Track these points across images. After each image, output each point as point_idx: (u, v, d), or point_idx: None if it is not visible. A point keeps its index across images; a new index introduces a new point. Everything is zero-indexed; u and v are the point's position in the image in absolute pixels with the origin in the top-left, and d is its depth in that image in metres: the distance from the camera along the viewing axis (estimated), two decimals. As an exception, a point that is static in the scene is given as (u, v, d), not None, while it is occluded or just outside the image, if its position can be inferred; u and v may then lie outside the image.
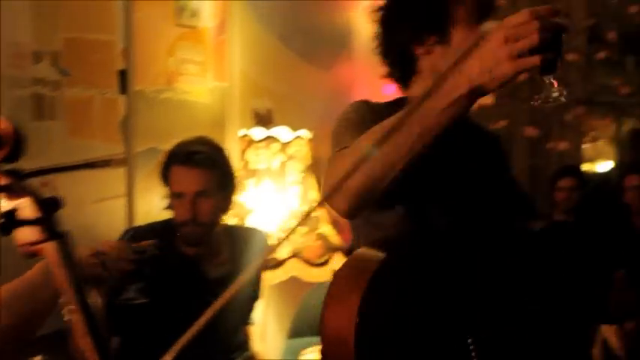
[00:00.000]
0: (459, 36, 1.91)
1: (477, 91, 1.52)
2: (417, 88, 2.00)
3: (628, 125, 5.93)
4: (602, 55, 5.02)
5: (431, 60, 1.95)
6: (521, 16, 1.49)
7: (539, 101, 1.55)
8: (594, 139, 6.26)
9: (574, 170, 5.19)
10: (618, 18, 5.03)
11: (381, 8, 2.04)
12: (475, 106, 4.73)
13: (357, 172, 1.57)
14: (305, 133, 3.85)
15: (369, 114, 1.85)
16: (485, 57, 1.49)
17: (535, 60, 1.47)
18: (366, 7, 2.18)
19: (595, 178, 6.76)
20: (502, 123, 4.78)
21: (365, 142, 1.61)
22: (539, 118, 4.98)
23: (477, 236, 1.86)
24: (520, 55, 1.47)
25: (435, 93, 1.54)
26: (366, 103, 1.93)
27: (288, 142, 3.79)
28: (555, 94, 1.52)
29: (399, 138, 1.57)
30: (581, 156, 5.78)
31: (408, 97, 2.02)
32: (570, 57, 4.91)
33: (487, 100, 4.98)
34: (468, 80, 1.51)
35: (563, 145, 5.19)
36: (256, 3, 4.11)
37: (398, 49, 1.99)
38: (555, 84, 1.51)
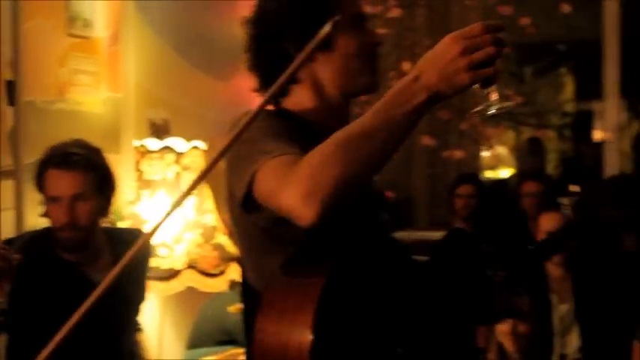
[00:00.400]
0: (341, 44, 1.88)
1: (435, 99, 1.57)
2: (297, 99, 1.94)
3: (527, 134, 6.07)
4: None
5: (312, 69, 1.90)
6: (477, 28, 1.56)
7: (480, 113, 1.60)
8: (491, 148, 6.39)
9: (472, 178, 5.28)
10: (511, 30, 5.14)
11: (256, 17, 1.96)
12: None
13: (331, 169, 1.55)
14: (200, 144, 3.85)
15: (279, 122, 1.81)
16: (444, 66, 1.55)
17: (490, 71, 1.54)
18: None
19: (494, 185, 6.92)
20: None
21: (331, 145, 1.58)
22: (436, 128, 5.07)
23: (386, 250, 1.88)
24: (476, 67, 1.53)
25: (391, 101, 1.57)
26: (267, 112, 1.85)
27: (184, 153, 3.78)
28: (497, 105, 1.58)
29: (366, 144, 1.58)
30: (479, 164, 5.88)
31: (291, 109, 1.94)
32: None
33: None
34: (426, 88, 1.55)
35: (459, 154, 5.29)
36: (151, 13, 4.09)
37: (275, 57, 1.91)
38: (496, 95, 1.58)
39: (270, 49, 1.93)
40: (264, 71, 1.97)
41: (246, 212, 1.74)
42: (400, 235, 1.94)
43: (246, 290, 1.90)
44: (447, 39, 1.57)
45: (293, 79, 1.92)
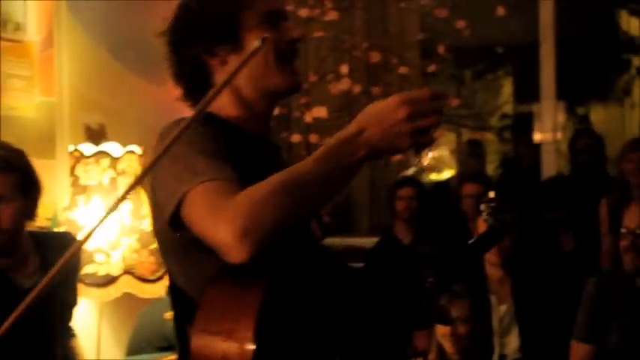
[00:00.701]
0: (250, 40, 1.82)
1: (373, 156, 1.62)
2: (219, 104, 1.89)
3: (467, 136, 6.11)
4: (433, 68, 5.16)
5: (227, 71, 1.85)
6: (424, 94, 1.63)
7: (412, 176, 1.74)
8: (430, 150, 6.40)
9: (412, 180, 5.30)
10: (448, 33, 5.18)
11: (169, 24, 1.94)
12: (309, 119, 4.77)
13: (269, 211, 1.55)
14: (136, 149, 3.80)
15: (210, 132, 1.77)
16: (388, 127, 1.59)
17: (430, 138, 1.62)
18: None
19: (434, 187, 6.95)
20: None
21: (271, 187, 1.58)
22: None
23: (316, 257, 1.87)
24: (418, 133, 1.60)
25: (334, 152, 1.61)
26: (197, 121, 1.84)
27: (119, 158, 3.74)
28: (430, 173, 1.66)
29: (306, 190, 1.60)
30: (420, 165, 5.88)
31: (216, 113, 1.90)
32: (404, 70, 5.03)
33: (322, 113, 5.02)
34: (367, 145, 1.61)
35: (399, 156, 5.30)
36: (84, 16, 4.04)
37: (190, 63, 1.90)
38: (428, 159, 1.65)
39: (184, 55, 1.91)
40: (183, 78, 1.94)
41: (173, 230, 1.72)
42: (341, 241, 1.94)
43: (177, 296, 1.86)
44: (395, 100, 1.62)
45: (210, 84, 1.89)
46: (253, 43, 1.34)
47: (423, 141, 1.62)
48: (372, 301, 1.80)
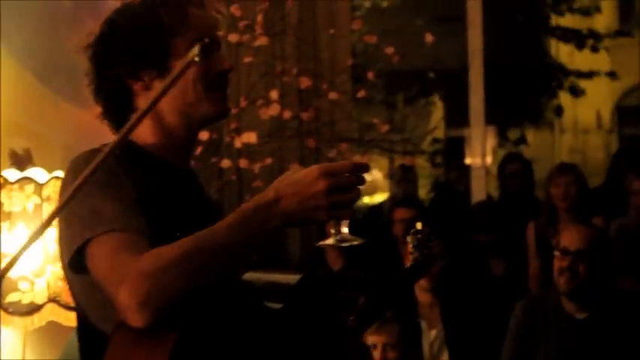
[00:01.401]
0: (192, 51, 1.82)
1: (288, 225, 1.59)
2: (139, 130, 1.85)
3: (400, 160, 6.15)
4: (362, 93, 5.19)
5: (150, 97, 1.80)
6: (345, 166, 1.59)
7: (330, 245, 1.69)
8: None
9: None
10: (378, 59, 5.22)
11: (91, 43, 1.90)
12: (239, 144, 4.73)
13: (173, 279, 1.51)
14: (62, 175, 3.73)
15: (120, 173, 1.72)
16: (306, 199, 1.56)
17: (347, 213, 1.60)
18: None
19: (368, 212, 6.98)
20: (268, 161, 4.84)
21: (178, 253, 1.54)
22: (305, 156, 5.09)
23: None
24: (336, 207, 1.57)
25: (248, 219, 1.57)
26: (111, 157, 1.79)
27: (44, 184, 3.67)
28: (349, 239, 1.68)
29: (214, 259, 1.56)
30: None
31: (134, 141, 1.87)
32: (334, 96, 5.05)
33: (252, 138, 5.00)
34: (283, 215, 1.57)
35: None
36: (12, 41, 3.98)
37: (110, 83, 1.85)
38: (345, 228, 1.67)
39: (105, 75, 1.86)
40: (101, 97, 1.90)
41: (74, 272, 1.68)
42: (265, 276, 1.92)
43: (86, 333, 1.80)
44: (314, 171, 1.58)
45: (132, 109, 1.85)
46: (191, 51, 1.28)
47: (340, 215, 1.61)
48: (290, 344, 1.75)
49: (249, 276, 1.86)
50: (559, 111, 12.96)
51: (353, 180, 1.59)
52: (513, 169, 5.88)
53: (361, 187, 1.62)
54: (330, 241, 1.69)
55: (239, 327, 1.67)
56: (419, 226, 2.12)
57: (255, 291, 1.83)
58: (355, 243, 1.70)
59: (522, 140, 11.98)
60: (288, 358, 1.73)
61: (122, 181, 1.70)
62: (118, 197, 1.66)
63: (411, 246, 2.10)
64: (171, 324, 1.54)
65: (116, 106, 1.88)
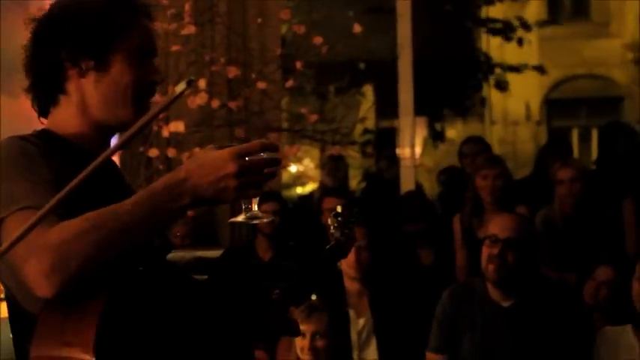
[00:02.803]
0: (117, 69, 1.86)
1: (198, 204, 1.65)
2: (62, 117, 1.89)
3: (332, 150, 6.17)
4: (291, 83, 5.19)
5: (82, 85, 1.87)
6: (254, 147, 1.66)
7: (241, 221, 1.76)
8: (288, 165, 6.48)
9: (274, 195, 5.30)
10: (306, 48, 5.23)
11: (42, 15, 1.90)
12: (166, 133, 4.68)
13: (79, 249, 1.56)
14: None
15: (37, 156, 1.75)
16: (215, 180, 1.62)
17: (256, 193, 1.69)
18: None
19: (298, 202, 7.00)
20: (196, 150, 4.82)
21: (85, 224, 1.59)
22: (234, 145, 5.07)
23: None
24: (245, 187, 1.64)
25: (156, 196, 1.62)
26: (21, 143, 1.78)
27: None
28: (259, 216, 1.76)
29: (121, 232, 1.60)
30: (280, 181, 5.91)
31: (54, 130, 1.89)
32: (263, 85, 5.04)
33: (179, 127, 4.94)
34: (192, 193, 1.63)
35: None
36: None
37: (47, 60, 1.87)
38: (255, 206, 1.74)
39: (44, 51, 1.88)
40: (35, 74, 1.91)
41: None
42: (188, 253, 1.96)
43: (15, 313, 1.82)
44: (225, 154, 1.63)
45: (61, 89, 1.89)
46: (179, 85, 1.34)
47: (249, 196, 1.69)
48: (214, 311, 1.81)
49: (178, 255, 1.92)
50: (483, 103, 13.13)
51: (262, 162, 1.66)
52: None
53: (274, 166, 1.69)
54: (240, 217, 1.76)
55: (165, 297, 1.72)
56: (339, 209, 2.19)
57: (181, 266, 1.89)
58: (265, 220, 1.80)
59: (440, 135, 12.11)
60: (211, 326, 1.78)
61: (37, 162, 1.74)
62: (31, 178, 1.69)
63: (331, 227, 2.16)
64: (96, 295, 1.59)
65: (45, 84, 1.90)
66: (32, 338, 1.61)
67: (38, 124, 1.94)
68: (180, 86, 1.34)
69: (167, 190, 1.63)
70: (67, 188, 1.31)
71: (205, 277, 1.93)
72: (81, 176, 1.33)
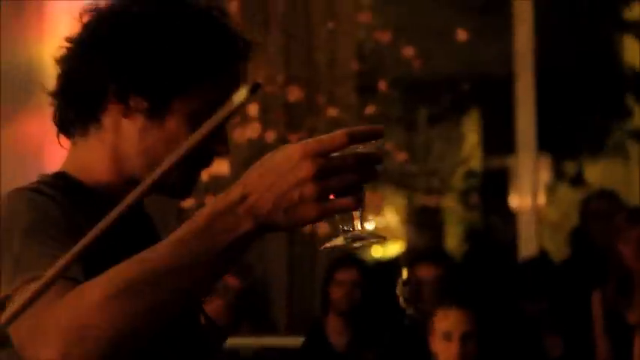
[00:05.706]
0: (175, 123, 1.83)
1: (267, 230, 1.50)
2: (88, 158, 1.91)
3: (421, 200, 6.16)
4: (370, 110, 5.20)
5: (122, 126, 1.86)
6: (338, 138, 1.46)
7: (339, 247, 1.54)
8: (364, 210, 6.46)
9: (354, 260, 5.29)
10: (392, 63, 5.23)
11: (97, 20, 1.90)
12: (205, 176, 4.72)
13: (95, 328, 1.48)
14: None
15: (48, 215, 1.73)
16: (283, 192, 1.46)
17: (348, 203, 1.47)
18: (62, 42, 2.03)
19: (379, 268, 6.97)
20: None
21: (104, 290, 1.50)
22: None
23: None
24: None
25: (204, 227, 1.49)
26: (32, 196, 1.77)
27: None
28: (365, 236, 1.52)
29: (154, 290, 1.50)
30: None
31: (75, 175, 1.91)
32: (334, 112, 5.05)
33: (223, 168, 4.98)
34: (254, 216, 1.48)
35: (324, 229, 5.30)
36: None
37: (89, 83, 1.87)
38: (358, 224, 1.51)
39: (87, 74, 1.87)
40: (68, 90, 1.91)
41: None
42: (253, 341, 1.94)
43: None
44: (297, 150, 1.47)
45: (94, 117, 1.88)
46: (238, 92, 1.16)
47: (339, 209, 1.50)
48: None
49: (235, 342, 1.90)
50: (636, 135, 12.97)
51: (353, 157, 1.48)
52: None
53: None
54: (338, 240, 1.54)
55: None
56: (405, 274, 2.12)
57: None
58: (377, 242, 1.59)
59: (579, 178, 11.93)
60: None
61: (52, 220, 1.71)
62: (44, 240, 1.66)
63: (401, 299, 2.08)
64: None
65: (77, 105, 1.90)
66: None
67: (37, 156, 1.95)
68: (241, 94, 1.12)
69: (218, 218, 1.48)
70: (81, 244, 1.22)
71: None
72: (100, 227, 1.21)
